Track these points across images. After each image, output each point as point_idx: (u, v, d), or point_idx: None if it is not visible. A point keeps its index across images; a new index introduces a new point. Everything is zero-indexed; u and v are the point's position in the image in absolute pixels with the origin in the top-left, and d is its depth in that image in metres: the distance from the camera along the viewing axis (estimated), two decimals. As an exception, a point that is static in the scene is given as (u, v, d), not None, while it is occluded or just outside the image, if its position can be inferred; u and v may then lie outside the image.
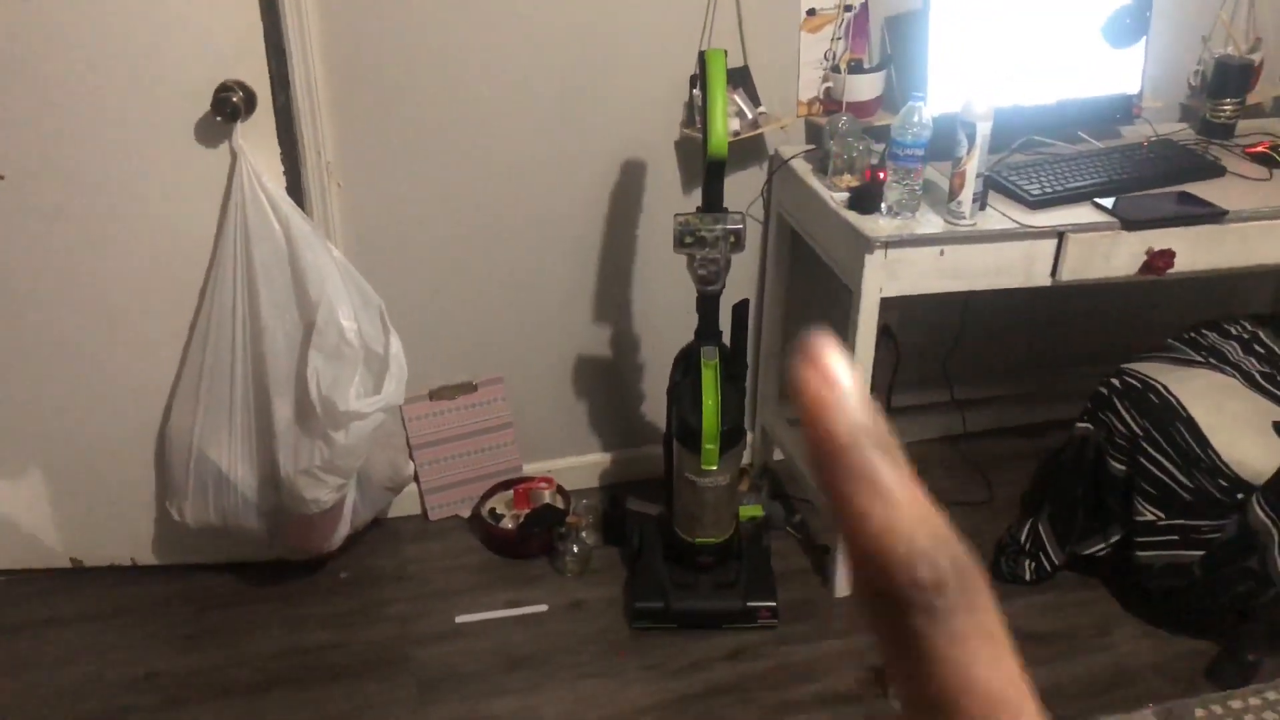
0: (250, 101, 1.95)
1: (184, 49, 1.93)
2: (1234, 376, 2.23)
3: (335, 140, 2.16)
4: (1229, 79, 2.38)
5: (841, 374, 0.22)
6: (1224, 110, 2.39)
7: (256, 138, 1.99)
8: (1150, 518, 2.12)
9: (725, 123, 1.91)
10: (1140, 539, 2.15)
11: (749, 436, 2.66)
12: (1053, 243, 2.04)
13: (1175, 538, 2.10)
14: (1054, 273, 2.07)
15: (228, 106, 1.92)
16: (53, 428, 2.23)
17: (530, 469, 2.62)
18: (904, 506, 0.21)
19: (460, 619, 2.29)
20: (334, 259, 2.08)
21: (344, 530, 2.32)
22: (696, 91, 2.22)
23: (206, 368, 2.12)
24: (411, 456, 2.51)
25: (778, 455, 2.73)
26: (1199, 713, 2.06)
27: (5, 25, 1.87)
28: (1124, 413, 2.17)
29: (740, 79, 2.24)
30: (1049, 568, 2.36)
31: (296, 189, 2.13)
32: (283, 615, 2.30)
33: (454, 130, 2.23)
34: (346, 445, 2.09)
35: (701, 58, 1.94)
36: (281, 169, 2.07)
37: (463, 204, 2.31)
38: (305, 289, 2.04)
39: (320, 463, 2.10)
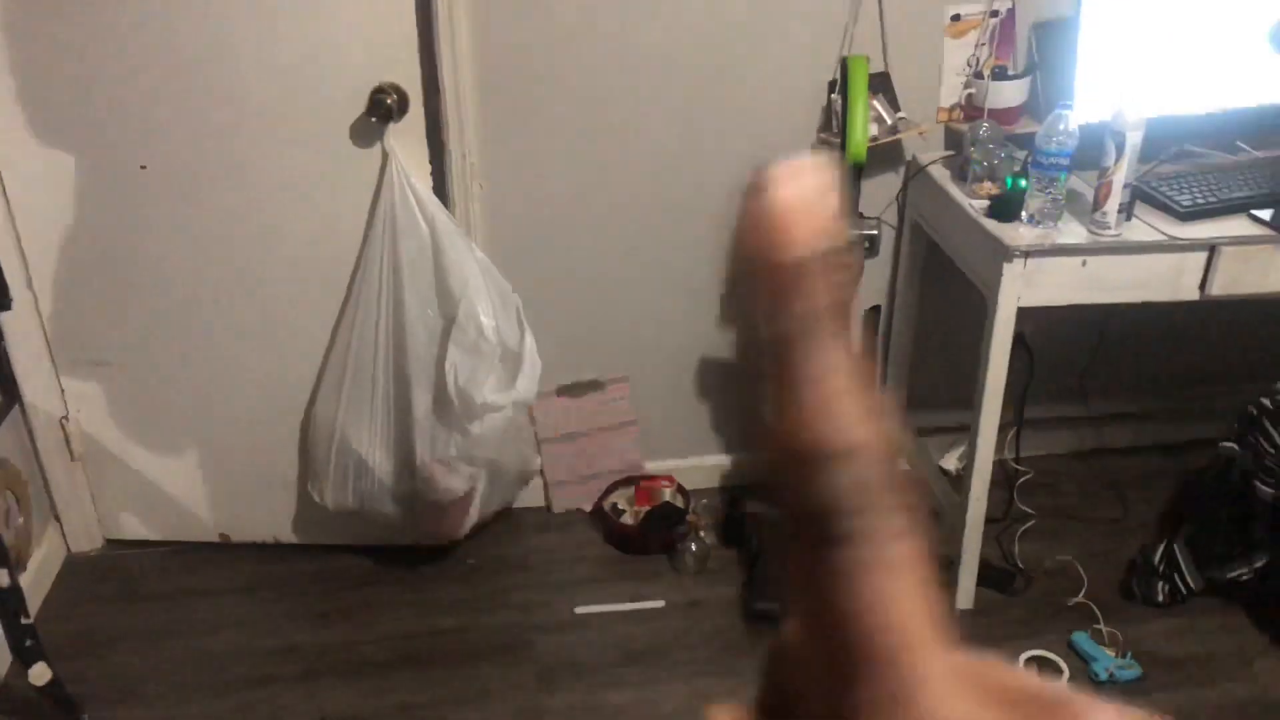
0: (403, 103, 2.03)
1: (345, 53, 2.02)
2: (1398, 401, 2.12)
3: (479, 142, 2.23)
4: (1403, 87, 2.25)
5: (811, 214, 0.17)
6: (1395, 120, 2.26)
7: (407, 139, 2.07)
8: (1300, 546, 2.03)
9: (865, 129, 1.91)
10: (1288, 567, 2.06)
11: (873, 443, 2.63)
12: (1203, 256, 1.97)
13: (1328, 568, 2.01)
14: (1203, 287, 2.00)
15: (382, 108, 2.00)
16: (209, 409, 2.36)
17: (652, 467, 2.65)
18: (843, 394, 0.17)
19: (580, 610, 2.33)
20: (475, 257, 2.14)
21: (473, 518, 2.39)
22: (835, 97, 2.21)
23: (351, 358, 2.21)
24: (539, 450, 2.57)
25: (902, 465, 2.70)
26: (1349, 753, 1.97)
27: (186, 34, 1.99)
28: (1275, 434, 2.08)
29: (880, 84, 2.22)
30: (1185, 591, 2.28)
31: (441, 189, 2.20)
32: (412, 598, 2.39)
33: (593, 133, 2.27)
34: (480, 436, 2.16)
35: (843, 64, 1.94)
36: (429, 169, 2.15)
37: (599, 206, 2.35)
38: (448, 285, 2.11)
39: (455, 452, 2.18)
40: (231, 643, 2.27)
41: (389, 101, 1.99)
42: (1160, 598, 2.29)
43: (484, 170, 2.26)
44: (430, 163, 2.15)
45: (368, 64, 2.01)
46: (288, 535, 2.51)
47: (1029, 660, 2.01)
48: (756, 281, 0.18)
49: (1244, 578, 2.20)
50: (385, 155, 2.07)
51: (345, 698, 2.14)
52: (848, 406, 0.18)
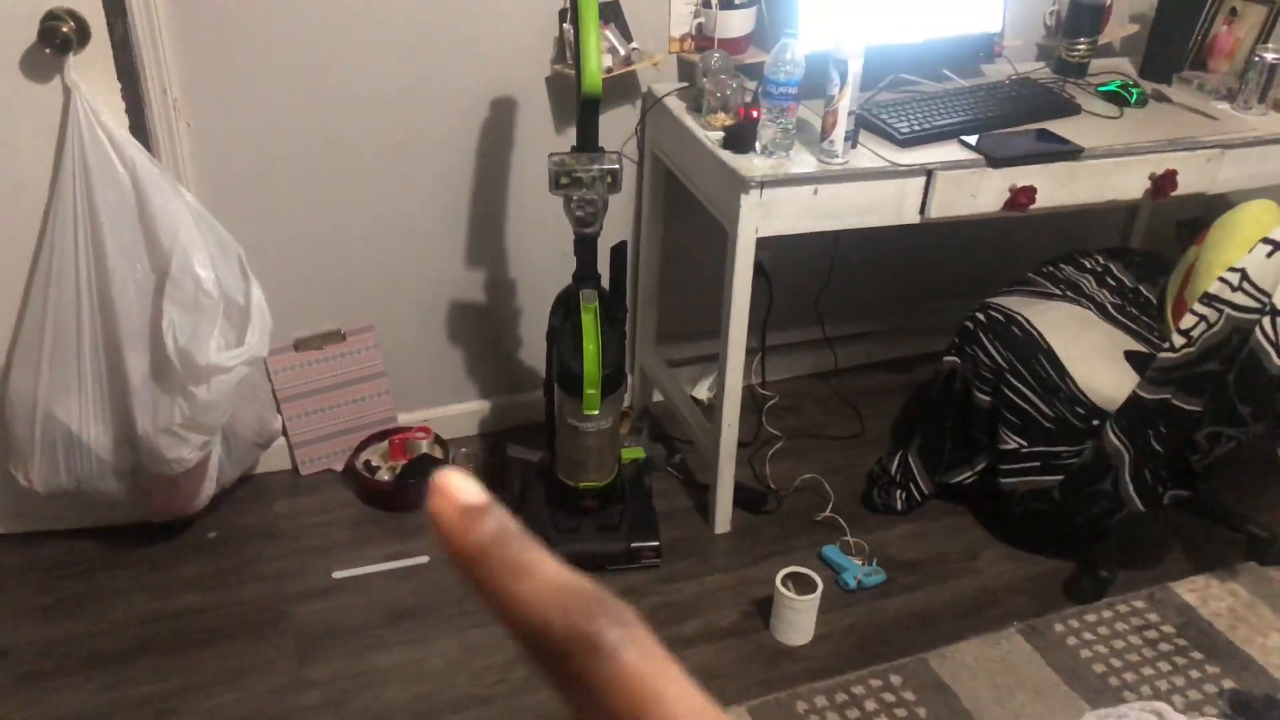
0: (83, 32, 1.80)
1: (4, -26, 1.76)
2: (1089, 308, 2.34)
3: (182, 76, 2.02)
4: (1082, 19, 2.45)
5: (466, 492, 0.25)
6: (1078, 50, 2.47)
7: (92, 72, 1.84)
8: (1013, 446, 2.22)
9: (599, 59, 1.87)
10: (1004, 466, 2.25)
11: (629, 379, 2.65)
12: (922, 180, 2.08)
13: (1037, 464, 2.20)
14: (923, 210, 2.11)
15: (57, 37, 1.77)
16: (-124, 392, 2.05)
17: (406, 419, 2.56)
18: (546, 576, 0.24)
19: (338, 574, 2.23)
20: (186, 203, 1.95)
21: (210, 489, 2.22)
22: (568, 26, 2.16)
23: (49, 323, 1.97)
24: (279, 410, 2.41)
25: (657, 397, 2.74)
26: (1059, 628, 2.18)
27: None
28: (988, 345, 2.25)
29: (611, 14, 2.19)
30: (919, 497, 2.45)
31: (141, 129, 1.98)
32: (149, 580, 2.20)
33: (312, 64, 2.11)
34: (209, 401, 1.99)
35: (572, -9, 1.88)
36: (123, 107, 1.93)
37: (324, 144, 2.20)
38: (156, 236, 1.92)
39: (181, 420, 2.00)
40: (-70, 653, 2.01)
41: (64, 30, 1.76)
42: (898, 506, 2.45)
43: (191, 107, 2.05)
44: (125, 99, 1.93)
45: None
46: (-9, 526, 2.25)
47: (785, 576, 2.09)
48: (457, 543, 0.24)
49: (968, 480, 2.38)
50: (68, 92, 1.83)
51: (78, 697, 1.94)
52: (562, 574, 0.24)
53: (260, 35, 2.05)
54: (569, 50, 2.15)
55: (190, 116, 2.06)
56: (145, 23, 1.91)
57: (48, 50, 1.78)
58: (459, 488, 0.25)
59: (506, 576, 0.24)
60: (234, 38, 2.04)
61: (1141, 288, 2.42)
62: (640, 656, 0.23)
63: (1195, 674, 2.08)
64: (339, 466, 2.50)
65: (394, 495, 2.40)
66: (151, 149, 1.99)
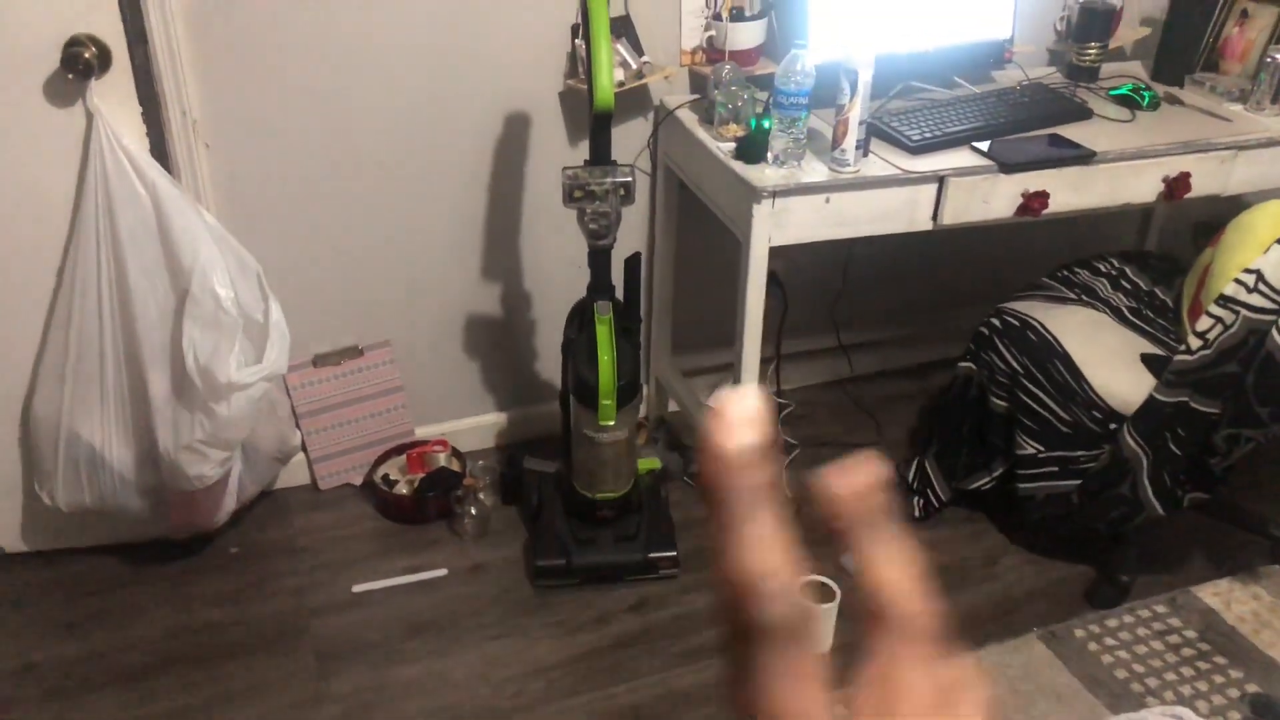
0: (105, 57, 1.83)
1: (26, 1, 1.79)
2: (1104, 312, 2.33)
3: (201, 98, 2.05)
4: (1093, 24, 2.46)
5: (745, 429, 0.25)
6: (1089, 54, 2.47)
7: (114, 97, 1.88)
8: (1031, 451, 2.21)
9: (611, 74, 1.88)
10: (1022, 472, 2.24)
11: (644, 389, 2.66)
12: (934, 187, 2.08)
13: (1054, 469, 2.20)
14: (935, 217, 2.12)
15: (79, 63, 1.80)
16: (-97, 413, 2.08)
17: (423, 432, 2.57)
18: (771, 550, 0.25)
19: (357, 588, 2.24)
20: (206, 223, 1.98)
21: (230, 505, 2.24)
22: (579, 41, 2.18)
23: (73, 343, 2.00)
24: (298, 425, 2.43)
25: (673, 407, 2.75)
26: (1079, 633, 2.17)
27: None
28: (1004, 351, 2.25)
29: (623, 28, 2.21)
30: (937, 504, 2.44)
31: (162, 151, 2.01)
32: (171, 595, 2.22)
33: (327, 84, 2.14)
34: (229, 417, 2.01)
35: (584, 6, 1.90)
36: (144, 129, 1.96)
37: (340, 162, 2.22)
38: (176, 256, 1.94)
39: (202, 436, 2.02)
40: (-42, 670, 2.03)
41: (86, 56, 1.79)
42: (916, 513, 2.45)
43: (209, 128, 2.08)
44: (146, 122, 1.95)
45: (56, 14, 1.80)
46: (15, 544, 2.27)
47: (805, 584, 2.09)
48: (716, 469, 0.25)
49: (985, 486, 2.37)
50: (90, 116, 1.86)
51: (103, 712, 1.96)
52: (776, 555, 0.25)
53: (277, 58, 2.08)
54: (581, 65, 2.17)
55: (209, 138, 2.09)
56: (165, 48, 1.95)
57: (70, 76, 1.82)
58: (740, 419, 0.25)
59: (746, 528, 0.25)
60: (251, 60, 2.06)
61: (1157, 290, 2.41)
62: (793, 664, 0.25)
63: (1218, 679, 2.06)
64: (358, 481, 2.52)
65: (412, 508, 2.42)
66: (171, 170, 2.01)
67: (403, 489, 2.45)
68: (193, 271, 1.94)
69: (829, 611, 2.08)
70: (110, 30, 1.84)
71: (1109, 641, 2.15)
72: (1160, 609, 2.23)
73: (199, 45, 2.00)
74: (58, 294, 2.01)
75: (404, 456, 2.51)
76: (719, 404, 0.25)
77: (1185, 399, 2.03)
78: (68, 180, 1.93)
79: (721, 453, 0.25)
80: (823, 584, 2.10)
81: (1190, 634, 2.17)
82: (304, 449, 2.46)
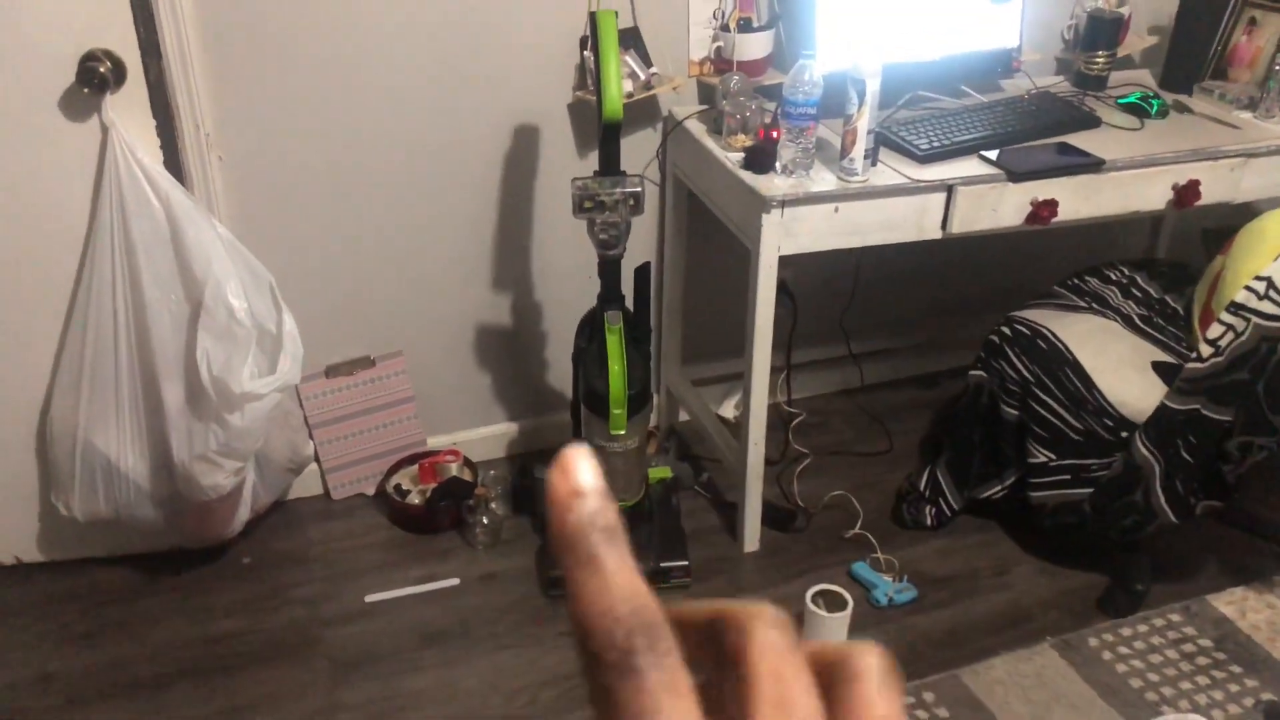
0: (119, 72, 1.86)
1: (43, 17, 1.81)
2: (1115, 320, 2.33)
3: (214, 111, 2.07)
4: (1100, 32, 2.46)
5: (584, 474, 0.26)
6: (1096, 62, 2.47)
7: (129, 110, 1.90)
8: (1042, 459, 2.21)
9: (620, 85, 1.89)
10: (1034, 480, 2.24)
11: (655, 399, 2.67)
12: (942, 196, 2.09)
13: (1066, 477, 2.19)
14: (944, 225, 2.12)
15: (95, 77, 1.82)
16: (-78, 424, 2.11)
17: (435, 442, 2.58)
18: (611, 582, 0.25)
19: (370, 598, 2.25)
20: (219, 235, 2.00)
21: (244, 515, 2.26)
22: (588, 54, 2.19)
23: (88, 354, 2.02)
24: (311, 435, 2.45)
25: (683, 416, 2.75)
26: (1093, 642, 2.17)
27: None
28: (1015, 359, 2.25)
29: (631, 40, 2.22)
30: (949, 513, 2.44)
31: (175, 163, 2.03)
32: (185, 605, 2.24)
33: (338, 96, 2.16)
34: (243, 428, 2.03)
35: (592, 19, 1.92)
36: (158, 143, 1.98)
37: (351, 174, 2.24)
38: (190, 267, 1.96)
39: (216, 447, 2.04)
40: (-26, 680, 2.05)
41: (102, 70, 1.82)
42: (928, 521, 2.45)
43: (222, 140, 2.10)
44: (160, 135, 1.98)
45: (72, 29, 1.82)
46: (32, 554, 2.29)
47: (816, 593, 2.09)
48: (562, 519, 0.26)
49: (997, 495, 2.37)
50: (105, 129, 1.88)
51: (117, 722, 1.98)
52: (633, 587, 0.25)
53: (288, 71, 2.10)
54: (590, 77, 2.19)
55: (222, 150, 2.11)
56: (179, 62, 1.97)
57: (86, 90, 1.84)
58: (576, 468, 0.26)
59: (580, 566, 0.25)
60: (263, 74, 2.09)
61: (1168, 298, 2.41)
62: (657, 688, 0.24)
63: (1234, 687, 2.05)
64: (370, 491, 2.53)
65: (425, 518, 2.43)
66: (185, 182, 2.04)
67: (415, 499, 2.47)
68: (206, 283, 1.95)
69: (841, 621, 2.08)
70: (125, 45, 1.87)
71: (1123, 650, 2.14)
72: (1175, 617, 2.22)
73: (212, 59, 2.03)
74: (73, 305, 2.03)
75: (416, 466, 2.52)
76: (557, 465, 0.26)
77: (1197, 407, 2.03)
78: (83, 193, 1.95)
79: (566, 502, 0.26)
80: (834, 593, 2.10)
81: (1205, 642, 2.16)
82: (317, 459, 2.48)
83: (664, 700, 0.24)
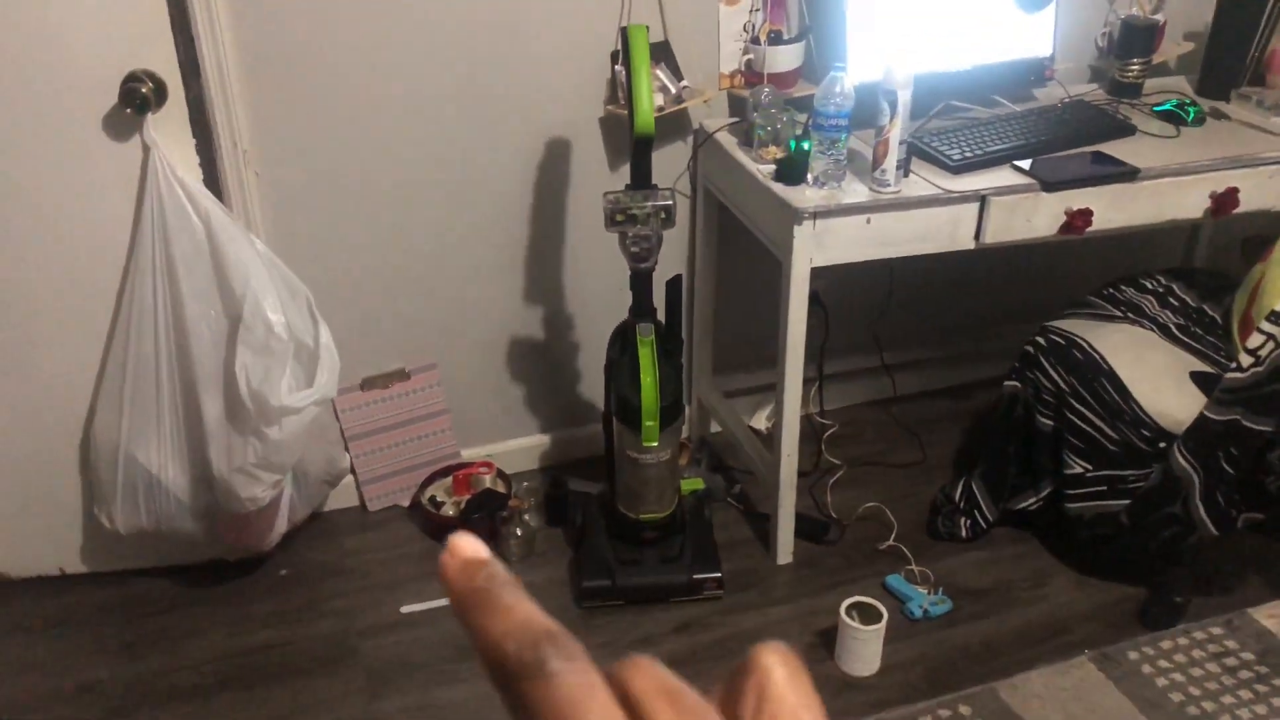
0: (161, 92, 1.89)
1: (87, 39, 1.85)
2: (1152, 329, 2.31)
3: (251, 129, 2.11)
4: (1135, 39, 2.44)
5: (469, 549, 0.29)
6: (1131, 70, 2.46)
7: (169, 129, 1.93)
8: (1079, 470, 2.19)
9: (651, 99, 1.91)
10: (1070, 491, 2.22)
11: (686, 410, 2.67)
12: (975, 206, 2.08)
13: (1103, 488, 2.17)
14: (977, 236, 2.11)
15: (137, 98, 1.86)
16: (-31, 438, 2.15)
17: (469, 454, 2.60)
18: (509, 614, 0.27)
19: (406, 609, 2.27)
20: (257, 250, 2.03)
21: (281, 527, 2.28)
22: (619, 68, 2.21)
23: (130, 369, 2.06)
24: (347, 448, 2.47)
25: (715, 428, 2.75)
26: (1132, 655, 2.14)
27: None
28: (1050, 370, 2.23)
29: (662, 53, 2.24)
30: (984, 524, 2.42)
31: (213, 180, 2.07)
32: (224, 616, 2.26)
33: (373, 112, 2.19)
34: (280, 441, 2.05)
35: (623, 34, 1.93)
36: (197, 160, 2.01)
37: (386, 189, 2.27)
38: (229, 283, 1.99)
39: (254, 460, 2.06)
40: (21, 690, 2.08)
41: (144, 91, 1.85)
42: (963, 533, 2.43)
43: (259, 157, 2.14)
44: (199, 153, 2.01)
45: (115, 51, 1.86)
46: (76, 565, 2.33)
47: (850, 605, 2.08)
48: (458, 579, 0.28)
49: (1033, 506, 2.35)
50: (146, 149, 1.92)
51: (158, 732, 2.00)
52: (526, 611, 0.27)
53: (324, 89, 2.13)
54: (621, 91, 2.20)
55: (259, 167, 2.14)
56: (218, 82, 2.01)
57: (128, 110, 1.88)
58: (464, 545, 0.29)
59: (484, 614, 0.27)
60: (299, 92, 2.12)
61: (1206, 307, 2.38)
62: (575, 684, 0.26)
63: (1277, 701, 2.02)
64: (405, 502, 2.55)
65: (458, 529, 2.43)
66: (223, 199, 2.07)
67: (449, 510, 2.48)
68: (245, 298, 1.98)
69: (875, 634, 2.07)
70: (165, 65, 1.90)
71: (1163, 664, 2.11)
72: (1216, 630, 2.18)
73: (250, 78, 2.06)
74: (116, 321, 2.07)
75: (450, 478, 2.54)
76: (447, 551, 0.29)
77: (1237, 417, 2.00)
78: (125, 210, 1.99)
79: (461, 564, 0.28)
80: (869, 606, 2.09)
81: (1248, 656, 2.12)
82: (353, 471, 2.50)
83: (581, 696, 0.26)
